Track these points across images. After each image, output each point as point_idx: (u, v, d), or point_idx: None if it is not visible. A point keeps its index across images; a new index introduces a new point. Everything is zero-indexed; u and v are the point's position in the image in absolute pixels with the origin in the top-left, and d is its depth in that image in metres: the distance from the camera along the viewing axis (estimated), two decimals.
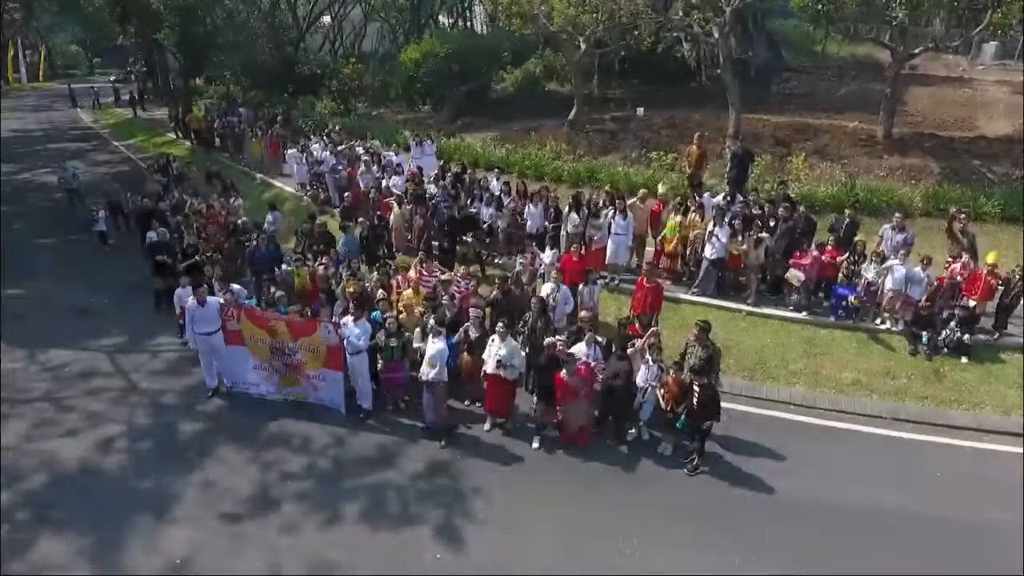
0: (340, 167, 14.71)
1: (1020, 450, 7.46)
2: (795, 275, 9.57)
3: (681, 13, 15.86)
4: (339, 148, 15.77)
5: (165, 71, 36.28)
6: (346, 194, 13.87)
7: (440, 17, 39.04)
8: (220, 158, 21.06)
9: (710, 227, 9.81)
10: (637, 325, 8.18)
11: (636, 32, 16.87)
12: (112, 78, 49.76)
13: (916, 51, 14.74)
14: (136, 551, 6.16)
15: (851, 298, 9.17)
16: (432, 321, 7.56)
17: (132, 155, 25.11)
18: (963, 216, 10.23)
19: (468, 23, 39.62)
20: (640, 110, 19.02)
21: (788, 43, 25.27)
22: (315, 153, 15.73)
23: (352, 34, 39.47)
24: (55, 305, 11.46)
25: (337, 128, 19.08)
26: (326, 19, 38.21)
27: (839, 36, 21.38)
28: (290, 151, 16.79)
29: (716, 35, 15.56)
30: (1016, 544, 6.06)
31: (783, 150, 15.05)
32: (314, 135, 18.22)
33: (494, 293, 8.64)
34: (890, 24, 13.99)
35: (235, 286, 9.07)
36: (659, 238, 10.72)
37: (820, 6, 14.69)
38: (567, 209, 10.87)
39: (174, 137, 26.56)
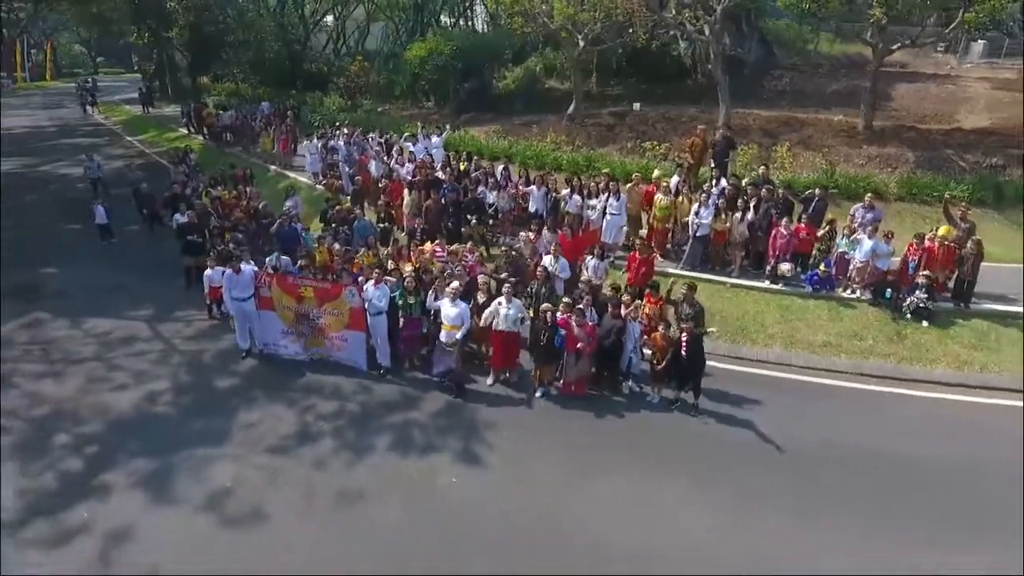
0: (356, 155, 15.62)
1: (970, 399, 8.40)
2: (787, 267, 10.48)
3: (674, 12, 16.76)
4: (352, 138, 16.68)
5: (174, 69, 37.19)
6: (356, 178, 14.84)
7: (442, 17, 39.93)
8: (233, 151, 21.98)
9: (695, 207, 10.74)
10: (627, 296, 9.09)
11: (631, 30, 17.77)
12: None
13: (894, 48, 15.65)
14: (188, 481, 7.05)
15: (822, 267, 10.10)
16: (453, 285, 8.43)
17: (146, 149, 26.04)
18: (961, 203, 10.99)
19: (469, 22, 40.53)
20: (636, 105, 19.94)
21: (781, 42, 26.12)
22: (332, 143, 16.64)
23: (356, 32, 40.31)
24: (90, 283, 12.34)
25: (347, 123, 20.00)
26: (328, 18, 39.13)
27: (829, 34, 22.31)
28: (305, 143, 17.70)
29: (707, 33, 16.51)
30: (962, 475, 6.96)
31: (770, 141, 15.97)
32: (329, 128, 19.08)
33: (501, 261, 9.55)
34: (869, 22, 14.87)
35: (284, 257, 10.05)
36: (651, 218, 11.64)
37: (805, 5, 15.64)
38: (567, 192, 11.79)
39: (186, 132, 27.49)
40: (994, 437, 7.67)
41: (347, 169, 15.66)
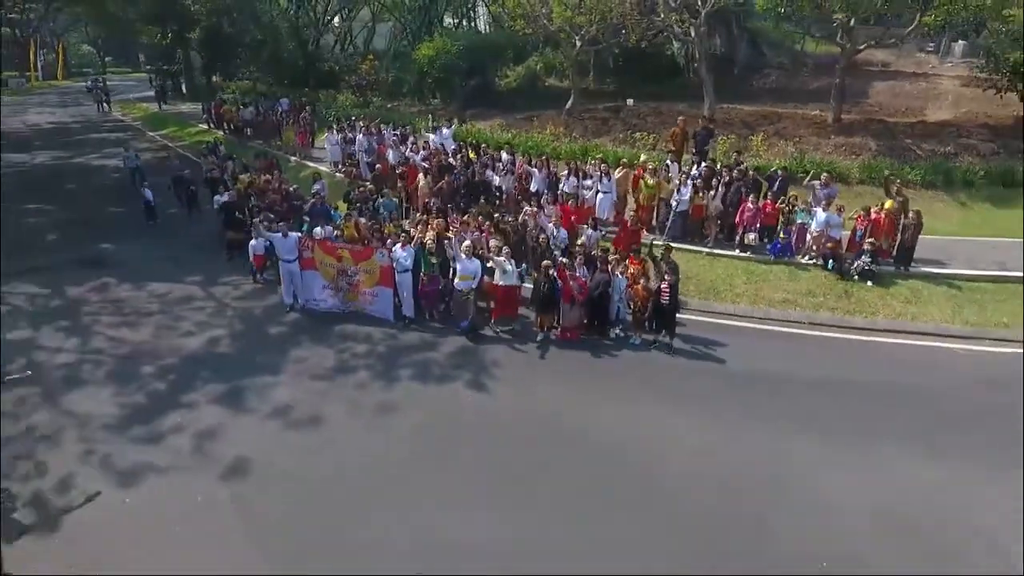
0: (375, 145, 17.27)
1: (901, 341, 10.03)
2: (753, 237, 12.13)
3: (663, 15, 18.38)
4: (370, 130, 18.35)
5: (190, 68, 38.82)
6: (376, 166, 16.48)
7: (446, 17, 41.55)
8: (254, 144, 23.60)
9: (676, 186, 12.38)
10: (614, 256, 10.72)
11: (624, 32, 19.39)
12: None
13: (861, 48, 17.27)
14: (256, 398, 8.68)
15: (781, 235, 11.74)
16: (466, 243, 10.08)
17: (169, 143, 27.65)
18: (896, 180, 12.82)
19: (472, 23, 42.16)
20: (630, 101, 21.53)
21: (769, 42, 27.69)
22: (350, 136, 18.29)
23: (364, 31, 41.87)
24: (143, 256, 13.96)
25: (363, 118, 21.62)
26: (335, 20, 40.74)
27: (816, 35, 23.86)
28: (326, 135, 19.35)
29: (693, 34, 18.14)
30: (889, 396, 8.55)
31: (748, 132, 17.58)
32: (347, 122, 20.67)
33: (507, 226, 11.24)
34: (833, 25, 16.49)
35: (327, 227, 11.71)
36: (638, 196, 13.28)
37: (780, 8, 17.28)
38: (566, 173, 13.43)
39: (206, 127, 29.11)
40: (917, 369, 9.30)
41: (366, 158, 17.29)
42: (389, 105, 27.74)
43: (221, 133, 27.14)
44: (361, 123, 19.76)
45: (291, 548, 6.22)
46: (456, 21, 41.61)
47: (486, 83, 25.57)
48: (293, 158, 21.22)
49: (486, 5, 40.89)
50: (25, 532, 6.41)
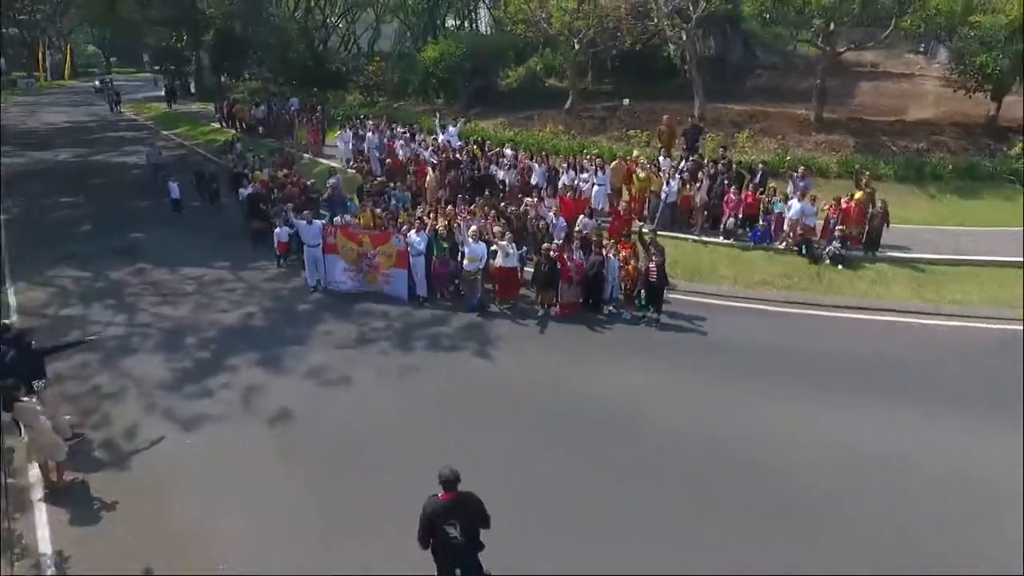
0: (385, 143, 18.42)
1: (866, 317, 11.16)
2: (731, 222, 13.29)
3: (656, 20, 19.50)
4: (380, 128, 19.48)
5: (200, 69, 39.94)
6: (387, 161, 17.62)
7: (448, 19, 42.69)
8: (267, 142, 24.72)
9: (665, 179, 13.51)
10: (605, 242, 11.84)
11: (619, 35, 20.52)
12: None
13: (841, 51, 18.41)
14: (291, 362, 9.81)
15: (761, 223, 12.88)
16: (472, 228, 11.23)
17: (184, 141, 28.77)
18: (866, 173, 13.99)
19: (473, 24, 43.31)
20: (626, 101, 22.64)
21: (762, 44, 28.75)
22: (361, 133, 19.43)
23: (368, 31, 42.90)
24: (173, 244, 15.09)
25: (372, 117, 22.73)
26: (341, 23, 41.88)
27: (799, 40, 24.93)
28: (339, 134, 20.46)
29: (685, 38, 19.27)
30: (850, 361, 9.66)
31: (736, 130, 18.71)
32: (358, 121, 21.77)
33: (511, 215, 12.37)
34: (810, 30, 17.63)
35: (347, 216, 12.86)
36: (631, 188, 14.41)
37: (765, 14, 18.42)
38: (564, 167, 14.57)
39: (218, 126, 30.23)
40: (876, 340, 10.44)
41: (377, 154, 18.41)
42: (395, 105, 28.86)
43: (234, 132, 28.25)
44: (371, 122, 20.88)
45: (330, 482, 7.35)
46: (458, 22, 42.80)
47: (488, 84, 26.68)
48: (306, 155, 22.32)
49: (487, 7, 42.09)
50: (104, 467, 7.55)
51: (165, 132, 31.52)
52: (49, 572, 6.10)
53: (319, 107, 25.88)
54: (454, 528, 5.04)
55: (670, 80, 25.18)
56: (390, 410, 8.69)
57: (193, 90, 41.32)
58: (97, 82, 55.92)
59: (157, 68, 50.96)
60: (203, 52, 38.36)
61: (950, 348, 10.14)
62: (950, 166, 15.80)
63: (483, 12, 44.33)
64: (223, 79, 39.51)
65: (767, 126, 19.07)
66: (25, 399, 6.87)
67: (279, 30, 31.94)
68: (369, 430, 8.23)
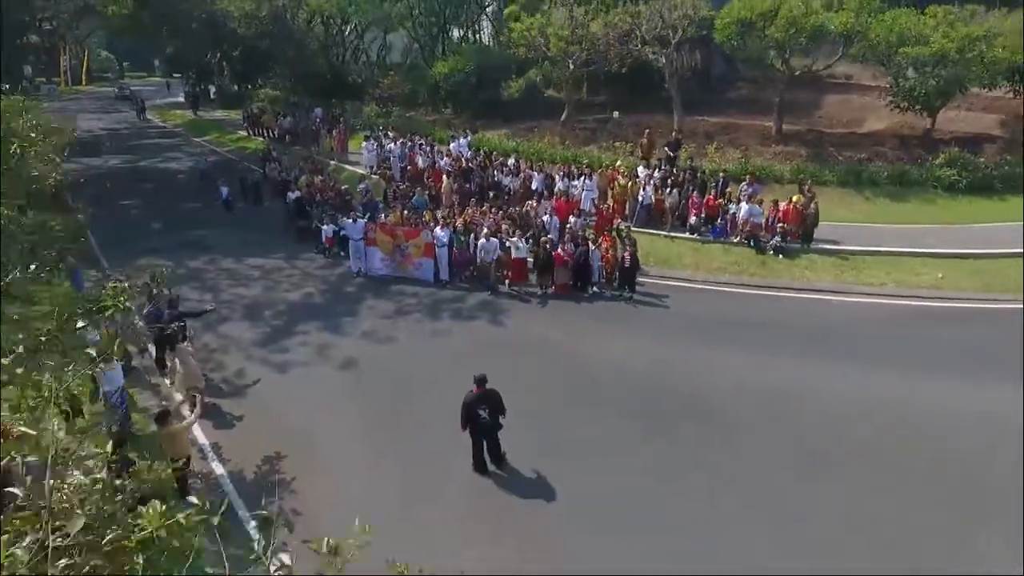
0: (407, 152, 21.40)
1: (799, 296, 14.12)
2: (693, 221, 16.29)
3: (639, 45, 22.42)
4: (401, 140, 22.46)
5: (223, 78, 42.80)
6: (408, 169, 20.59)
7: (454, 30, 45.49)
8: (295, 149, 27.64)
9: (642, 185, 16.49)
10: (590, 236, 14.82)
11: (608, 58, 23.46)
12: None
13: (797, 73, 21.36)
14: (347, 328, 12.78)
15: (719, 222, 15.86)
16: (486, 229, 14.22)
17: (216, 148, 31.67)
18: (808, 180, 16.99)
19: (477, 35, 46.14)
20: (615, 113, 25.58)
21: (743, 58, 31.47)
22: (384, 143, 22.40)
23: (377, 40, 45.58)
24: (231, 240, 18.02)
25: (391, 127, 25.65)
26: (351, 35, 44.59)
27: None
28: (364, 144, 23.39)
29: (664, 60, 22.22)
30: (786, 328, 12.61)
31: (708, 141, 21.67)
32: (380, 131, 24.69)
33: (515, 215, 15.36)
34: (770, 59, 20.59)
35: (380, 215, 15.81)
36: (614, 193, 17.40)
37: (733, 41, 21.38)
38: (559, 175, 17.56)
39: (245, 134, 33.07)
40: (804, 313, 13.40)
41: (399, 163, 21.38)
42: (408, 114, 31.76)
43: (262, 139, 31.13)
44: (391, 133, 23.84)
45: (386, 404, 10.31)
46: (462, 33, 45.65)
47: (493, 95, 29.58)
48: (332, 161, 25.25)
49: (489, 20, 44.95)
50: (226, 396, 10.53)
51: (196, 139, 34.38)
52: (210, 456, 9.07)
53: (341, 117, 28.78)
54: (484, 412, 8.01)
55: (657, 92, 28.10)
56: (425, 360, 11.67)
57: (213, 96, 44.20)
58: (117, 88, 58.54)
59: (178, 75, 53.66)
60: (225, 62, 41.21)
61: (858, 319, 13.11)
62: (885, 173, 18.75)
63: (486, 23, 47.25)
64: (247, 87, 42.29)
65: (735, 137, 22.03)
66: (182, 344, 9.86)
67: (299, 44, 34.81)
68: (411, 372, 11.22)
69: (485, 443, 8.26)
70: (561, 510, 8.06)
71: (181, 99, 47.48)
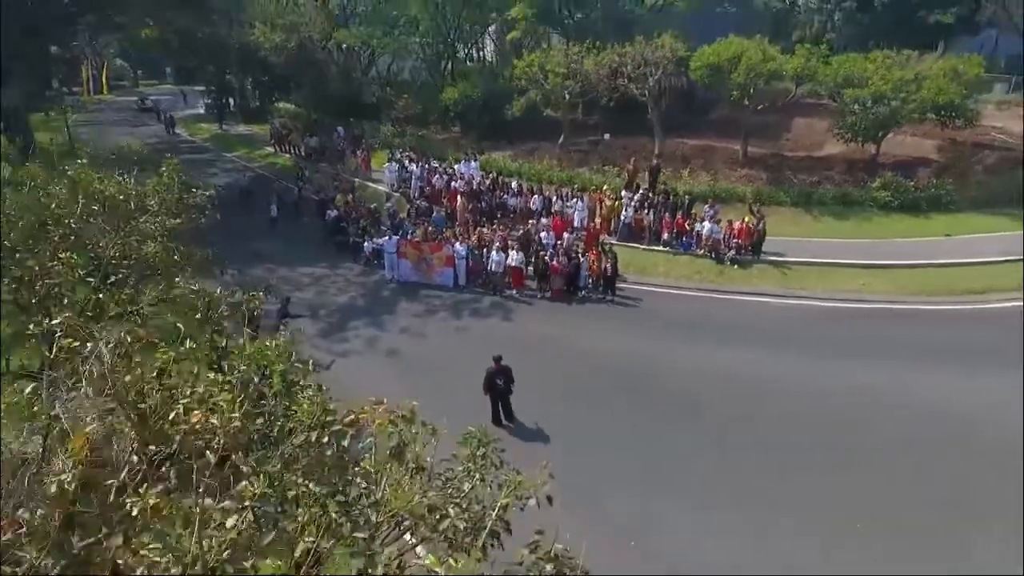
0: (425, 174, 24.88)
1: (750, 299, 17.59)
2: (665, 237, 19.79)
3: (626, 82, 25.86)
4: (420, 163, 25.94)
5: (246, 95, 46.07)
6: (426, 189, 24.08)
7: (459, 48, 48.69)
8: (322, 167, 30.99)
9: (625, 206, 20.00)
10: (579, 250, 18.29)
11: (598, 90, 26.92)
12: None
13: (759, 107, 24.85)
14: (388, 321, 16.26)
15: (686, 238, 19.36)
16: (496, 244, 17.74)
17: (247, 164, 34.92)
18: (758, 203, 20.51)
19: (481, 52, 49.43)
20: (606, 136, 29.07)
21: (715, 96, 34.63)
22: (406, 165, 25.88)
23: (389, 63, 48.89)
24: (281, 251, 21.45)
25: (410, 149, 29.05)
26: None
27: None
28: (386, 165, 26.79)
29: (648, 95, 25.70)
30: (739, 325, 16.09)
31: (684, 165, 25.15)
32: (401, 152, 28.01)
33: (519, 234, 18.88)
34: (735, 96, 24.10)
35: (410, 233, 19.30)
36: (601, 212, 20.90)
37: (707, 79, 24.86)
38: (556, 197, 21.08)
39: (272, 151, 36.29)
40: (751, 312, 16.86)
41: (418, 184, 24.84)
42: (420, 133, 35.10)
43: (288, 156, 34.42)
44: (410, 154, 27.29)
45: (424, 385, 13.75)
46: (467, 52, 48.92)
47: (497, 118, 32.90)
48: (356, 180, 28.66)
49: (492, 40, 48.30)
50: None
51: (226, 154, 37.59)
52: None
53: (362, 137, 32.15)
54: (500, 381, 11.48)
55: (644, 115, 31.50)
56: (452, 348, 15.17)
57: (233, 108, 47.23)
58: (138, 98, 61.06)
59: (199, 88, 56.60)
60: (249, 77, 44.35)
61: (793, 317, 16.59)
62: (831, 195, 22.25)
63: (488, 41, 50.57)
64: (268, 103, 45.44)
65: (708, 160, 25.51)
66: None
67: (319, 64, 38.13)
68: (441, 357, 14.70)
69: (500, 404, 11.72)
70: (557, 448, 11.56)
71: (200, 111, 50.36)
